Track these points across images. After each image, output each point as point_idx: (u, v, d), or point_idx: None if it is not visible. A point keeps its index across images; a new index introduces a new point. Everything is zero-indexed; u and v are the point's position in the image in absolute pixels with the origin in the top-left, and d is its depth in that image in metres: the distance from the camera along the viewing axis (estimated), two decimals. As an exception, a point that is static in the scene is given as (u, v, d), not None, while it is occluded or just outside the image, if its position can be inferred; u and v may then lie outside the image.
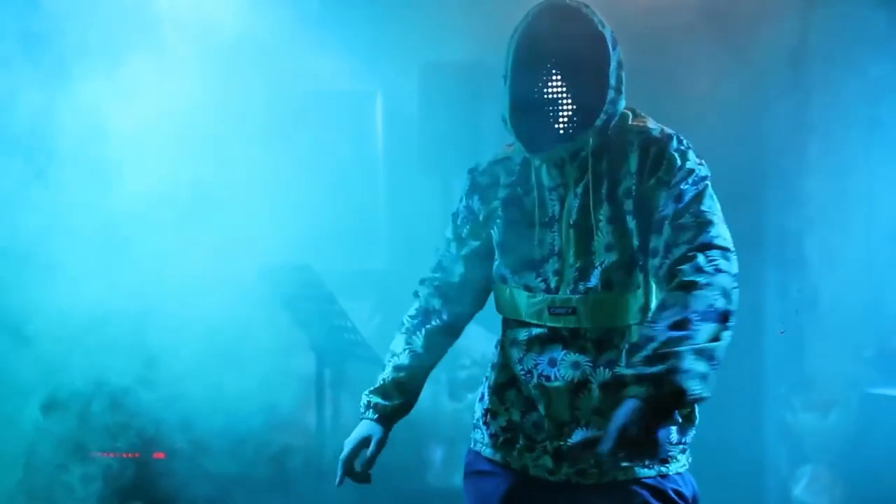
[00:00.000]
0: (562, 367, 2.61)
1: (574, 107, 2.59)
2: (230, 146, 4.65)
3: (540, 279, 2.64)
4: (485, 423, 2.76)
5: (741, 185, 4.94)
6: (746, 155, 5.04)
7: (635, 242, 2.57)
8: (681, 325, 2.34)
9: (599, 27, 2.59)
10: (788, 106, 5.09)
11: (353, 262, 5.32)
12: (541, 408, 2.64)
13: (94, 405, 4.56)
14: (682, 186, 2.51)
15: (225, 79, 4.70)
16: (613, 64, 2.57)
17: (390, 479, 4.48)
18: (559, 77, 2.60)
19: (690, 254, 2.44)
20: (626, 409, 2.30)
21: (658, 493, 2.60)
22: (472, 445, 2.81)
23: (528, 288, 2.66)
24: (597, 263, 2.58)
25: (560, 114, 2.60)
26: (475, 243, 2.79)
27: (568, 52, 2.59)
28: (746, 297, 4.77)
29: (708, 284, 2.39)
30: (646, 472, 2.60)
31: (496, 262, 2.74)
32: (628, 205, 2.58)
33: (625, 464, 2.58)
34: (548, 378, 2.62)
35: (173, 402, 4.72)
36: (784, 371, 5.02)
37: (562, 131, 2.60)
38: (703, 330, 2.34)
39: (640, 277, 2.59)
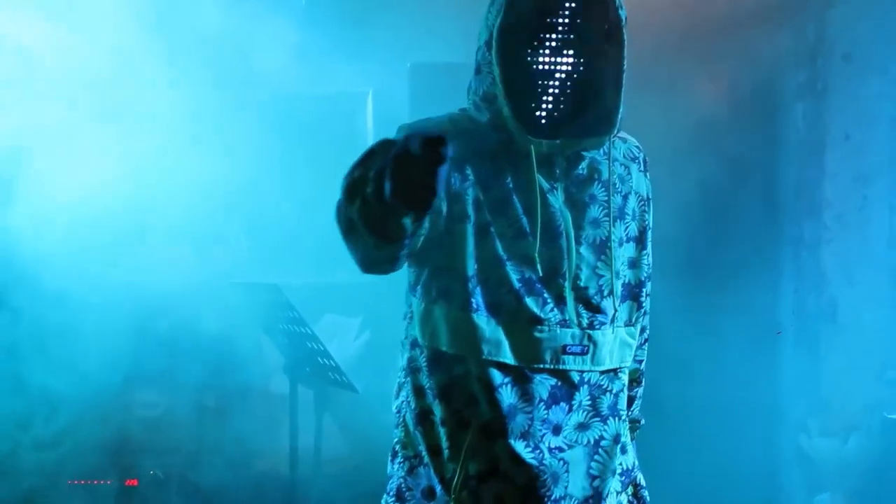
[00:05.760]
0: (567, 429, 2.12)
1: (594, 93, 2.11)
2: (211, 153, 4.42)
3: (549, 307, 2.11)
4: None
5: (754, 193, 4.83)
6: (760, 160, 4.81)
7: (640, 270, 2.25)
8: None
9: (619, 8, 2.12)
10: (804, 107, 4.82)
11: (343, 273, 5.10)
12: (556, 490, 2.11)
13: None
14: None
15: (206, 81, 4.48)
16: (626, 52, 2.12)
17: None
18: (573, 55, 2.10)
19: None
20: None
21: None
22: None
23: (533, 319, 2.09)
24: (606, 291, 2.14)
25: (575, 99, 2.10)
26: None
27: (587, 26, 2.11)
28: (761, 312, 4.57)
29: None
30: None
31: (455, 274, 2.12)
32: (632, 226, 2.24)
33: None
34: (560, 449, 2.12)
35: (150, 426, 4.64)
36: (800, 392, 4.74)
37: (575, 121, 2.11)
38: None
39: (636, 309, 2.24)
